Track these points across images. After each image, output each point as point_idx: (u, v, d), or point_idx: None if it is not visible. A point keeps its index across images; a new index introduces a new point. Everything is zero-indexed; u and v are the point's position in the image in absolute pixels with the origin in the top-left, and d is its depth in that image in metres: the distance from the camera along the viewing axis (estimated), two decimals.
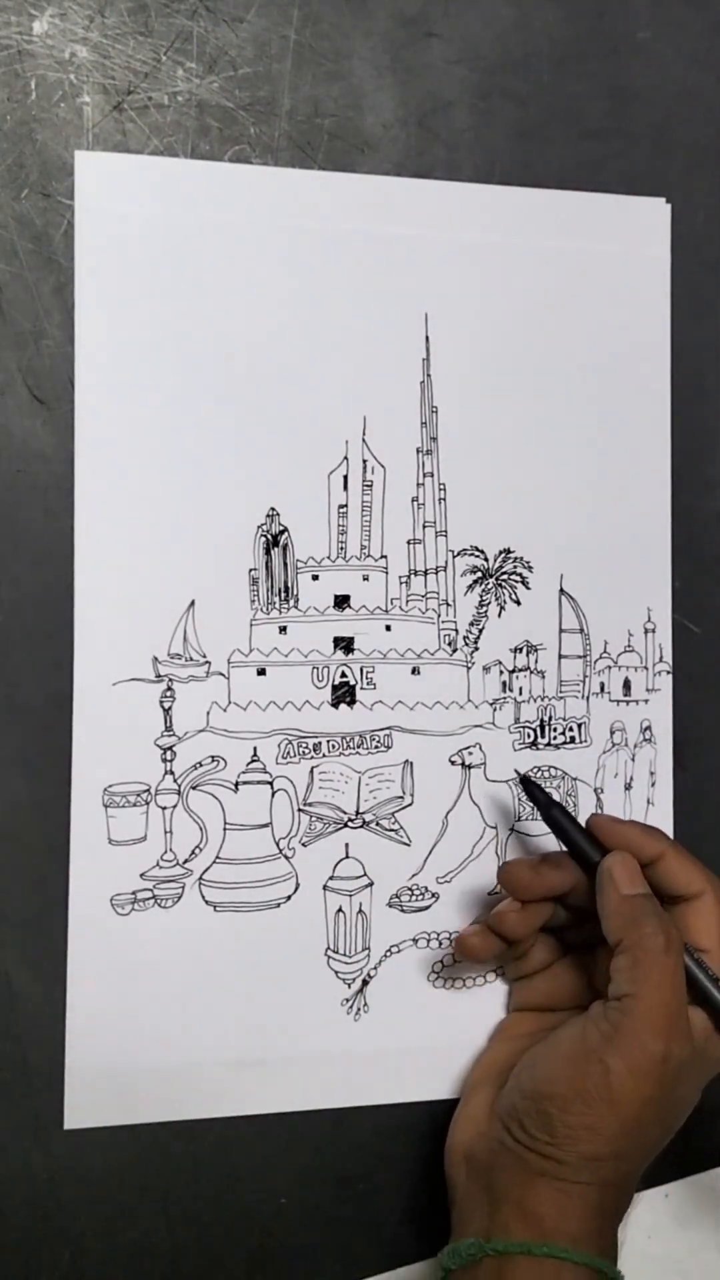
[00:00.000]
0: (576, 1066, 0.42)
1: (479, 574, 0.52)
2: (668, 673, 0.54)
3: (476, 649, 0.51)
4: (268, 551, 0.49)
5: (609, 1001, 0.43)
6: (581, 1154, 0.41)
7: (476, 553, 0.52)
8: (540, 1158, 0.42)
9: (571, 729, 0.52)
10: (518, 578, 0.52)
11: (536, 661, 0.52)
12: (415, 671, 0.51)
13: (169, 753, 0.48)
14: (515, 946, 0.48)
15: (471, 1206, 0.43)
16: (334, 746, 0.50)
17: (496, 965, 0.50)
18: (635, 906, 0.44)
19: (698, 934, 0.45)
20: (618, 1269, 0.42)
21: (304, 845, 0.50)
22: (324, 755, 0.50)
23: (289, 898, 0.49)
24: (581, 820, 0.48)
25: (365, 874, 0.50)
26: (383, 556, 0.50)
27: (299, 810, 0.49)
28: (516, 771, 0.50)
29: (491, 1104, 0.46)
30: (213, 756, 0.48)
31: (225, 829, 0.49)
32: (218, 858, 0.49)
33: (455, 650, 0.51)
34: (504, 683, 0.52)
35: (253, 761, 0.49)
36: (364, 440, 0.50)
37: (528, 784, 0.48)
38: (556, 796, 0.50)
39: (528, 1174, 0.42)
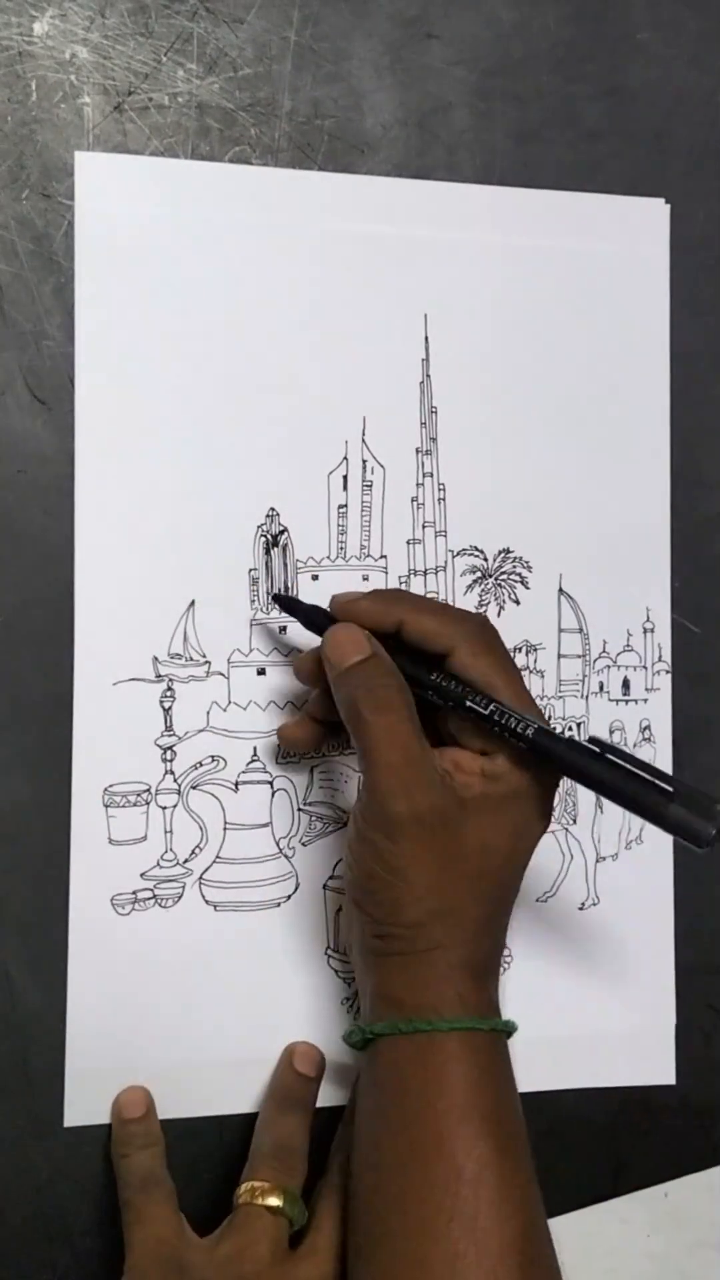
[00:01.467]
0: (357, 849, 0.42)
1: (478, 574, 0.52)
2: (667, 672, 0.54)
3: None
4: (268, 551, 0.49)
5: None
6: (402, 925, 0.41)
7: (476, 553, 0.52)
8: (378, 940, 0.42)
9: (571, 728, 0.53)
10: (517, 578, 0.52)
11: (536, 661, 0.52)
12: None
13: (169, 753, 0.48)
14: (325, 733, 0.47)
15: (360, 997, 0.44)
16: (334, 746, 0.50)
17: (318, 751, 0.49)
18: (346, 679, 0.43)
19: (470, 683, 0.43)
20: (500, 1019, 0.41)
21: (304, 845, 0.50)
22: (324, 755, 0.50)
23: (289, 897, 0.49)
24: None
25: None
26: (382, 556, 0.50)
27: (299, 810, 0.50)
28: (271, 595, 0.48)
29: None
30: (213, 756, 0.49)
31: (225, 829, 0.49)
32: (218, 857, 0.49)
33: None
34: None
35: (253, 761, 0.49)
36: (364, 440, 0.50)
37: (282, 600, 0.47)
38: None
39: (377, 956, 0.42)
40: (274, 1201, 0.44)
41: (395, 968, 0.41)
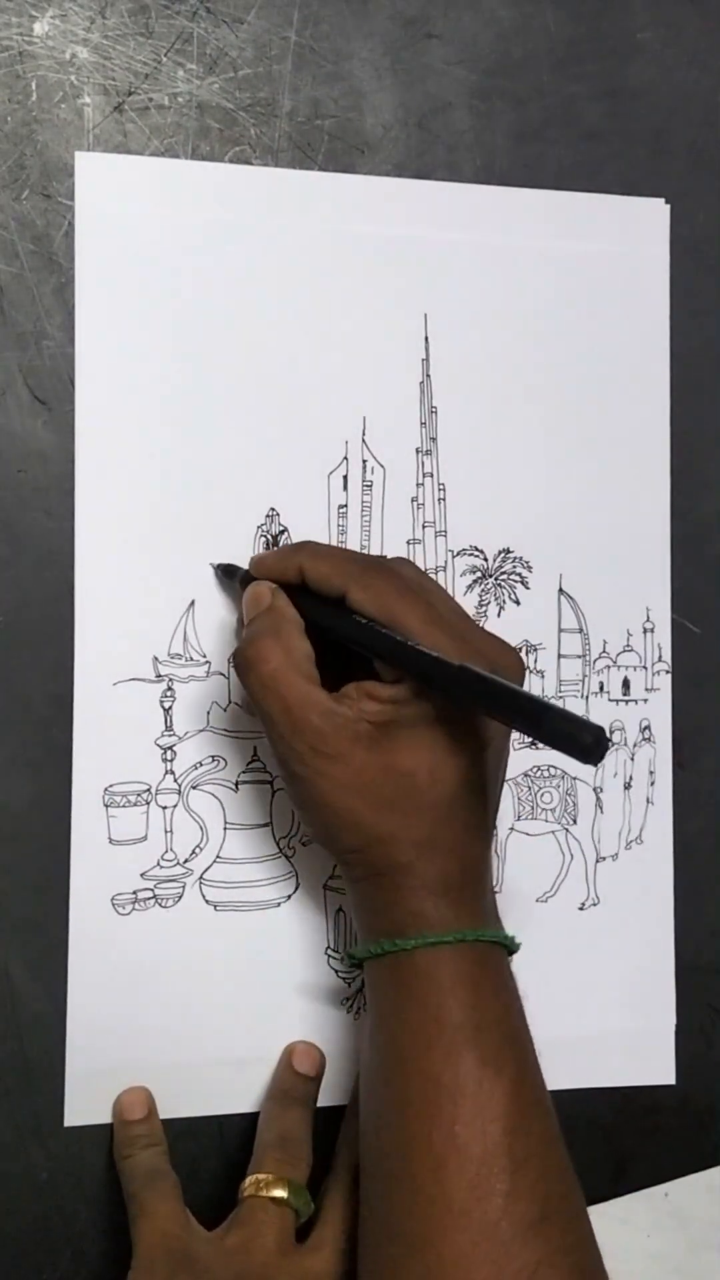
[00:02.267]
0: (286, 787, 0.44)
1: (478, 574, 0.52)
2: (667, 672, 0.54)
3: None
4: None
5: None
6: (344, 850, 0.42)
7: (476, 553, 0.52)
8: (342, 865, 0.43)
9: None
10: (517, 577, 0.52)
11: (536, 661, 0.52)
12: None
13: (169, 752, 0.48)
14: None
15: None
16: None
17: None
18: (246, 631, 0.44)
19: (367, 618, 0.44)
20: (469, 930, 0.41)
21: (304, 845, 0.50)
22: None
23: (289, 897, 0.49)
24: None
25: None
26: (382, 556, 0.50)
27: None
28: (212, 565, 0.49)
29: None
30: (213, 756, 0.49)
31: (225, 828, 0.49)
32: (218, 857, 0.49)
33: None
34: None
35: (253, 761, 0.49)
36: (364, 440, 0.50)
37: (224, 569, 0.48)
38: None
39: (348, 883, 0.44)
40: (279, 1193, 0.44)
41: (361, 891, 0.43)
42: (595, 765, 0.40)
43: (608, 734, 0.39)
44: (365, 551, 0.50)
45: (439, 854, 0.41)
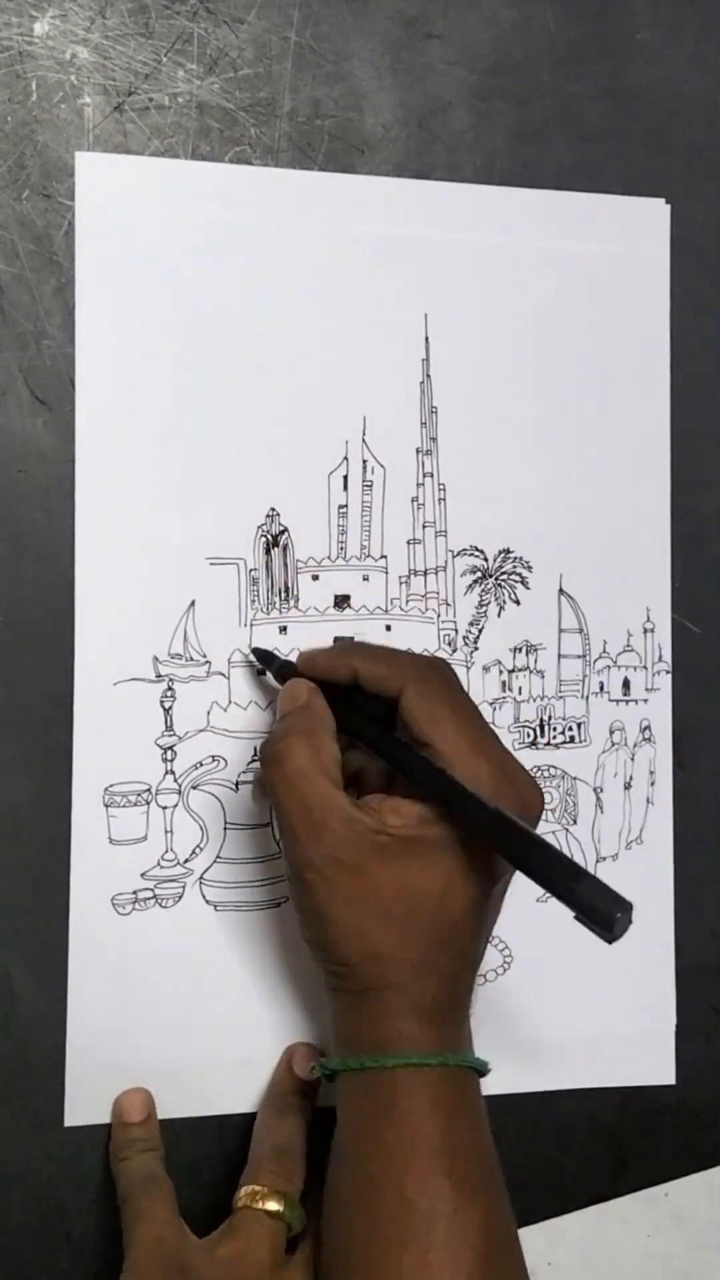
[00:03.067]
0: (289, 890, 0.44)
1: (479, 574, 0.52)
2: (667, 672, 0.54)
3: (476, 649, 0.51)
4: (268, 552, 0.49)
5: None
6: (336, 963, 0.42)
7: (476, 553, 0.52)
8: (328, 975, 0.43)
9: (571, 728, 0.53)
10: (517, 578, 0.52)
11: (536, 661, 0.52)
12: None
13: (169, 752, 0.48)
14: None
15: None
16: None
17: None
18: (277, 728, 0.44)
19: (415, 727, 0.44)
20: (451, 1055, 0.41)
21: None
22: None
23: (289, 897, 0.49)
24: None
25: None
26: (383, 556, 0.50)
27: None
28: (240, 651, 0.49)
29: None
30: (213, 756, 0.49)
31: (226, 828, 0.49)
32: (218, 857, 0.49)
33: (455, 650, 0.51)
34: (503, 682, 0.52)
35: (253, 761, 0.49)
36: (364, 440, 0.50)
37: (259, 654, 0.48)
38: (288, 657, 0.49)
39: (331, 993, 0.43)
40: (273, 1206, 0.44)
41: (345, 1005, 0.42)
42: (610, 944, 0.40)
43: (631, 915, 0.39)
44: (366, 552, 0.50)
45: (432, 976, 0.41)
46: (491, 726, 0.44)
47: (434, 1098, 0.40)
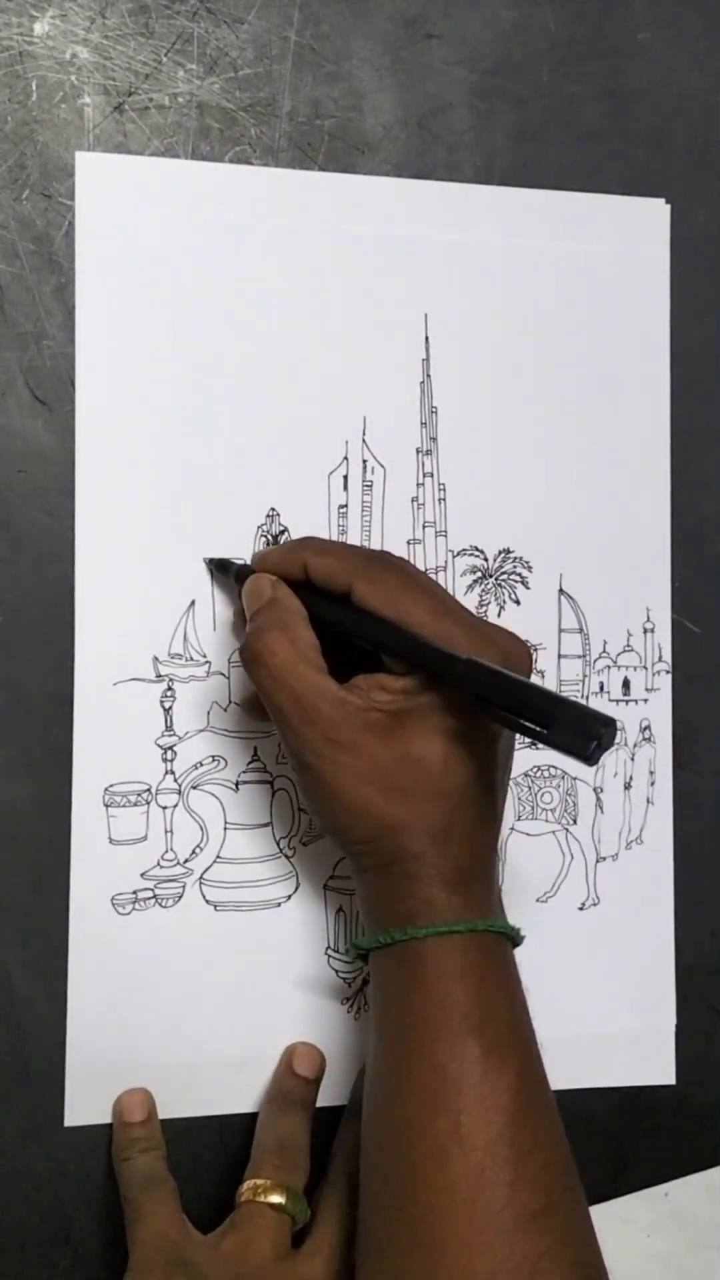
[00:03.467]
0: (296, 781, 0.46)
1: (479, 574, 0.52)
2: (667, 672, 0.54)
3: None
4: None
5: None
6: (354, 842, 0.42)
7: (476, 553, 0.52)
8: (351, 858, 0.43)
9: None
10: (517, 578, 0.52)
11: (536, 661, 0.52)
12: None
13: (169, 752, 0.48)
14: None
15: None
16: None
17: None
18: (251, 624, 0.44)
19: (374, 612, 0.43)
20: (480, 920, 0.41)
21: (304, 845, 0.50)
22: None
23: (289, 897, 0.49)
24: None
25: None
26: (385, 552, 0.50)
27: (299, 810, 0.50)
28: (205, 560, 0.49)
29: None
30: (213, 756, 0.49)
31: (226, 828, 0.49)
32: (218, 857, 0.49)
33: None
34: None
35: (253, 761, 0.49)
36: (364, 440, 0.50)
37: (215, 563, 0.48)
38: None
39: (357, 874, 0.43)
40: (276, 1199, 0.44)
41: (371, 882, 0.42)
42: (592, 766, 0.40)
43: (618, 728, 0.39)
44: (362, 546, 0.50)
45: (452, 843, 0.41)
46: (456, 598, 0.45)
47: (464, 964, 0.40)
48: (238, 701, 0.49)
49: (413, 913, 0.41)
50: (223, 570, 0.48)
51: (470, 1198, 0.38)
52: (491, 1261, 0.37)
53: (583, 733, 0.37)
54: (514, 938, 0.43)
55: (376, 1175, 0.41)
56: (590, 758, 0.37)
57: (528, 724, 0.38)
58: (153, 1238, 0.43)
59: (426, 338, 0.51)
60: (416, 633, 0.41)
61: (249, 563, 0.48)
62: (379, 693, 0.42)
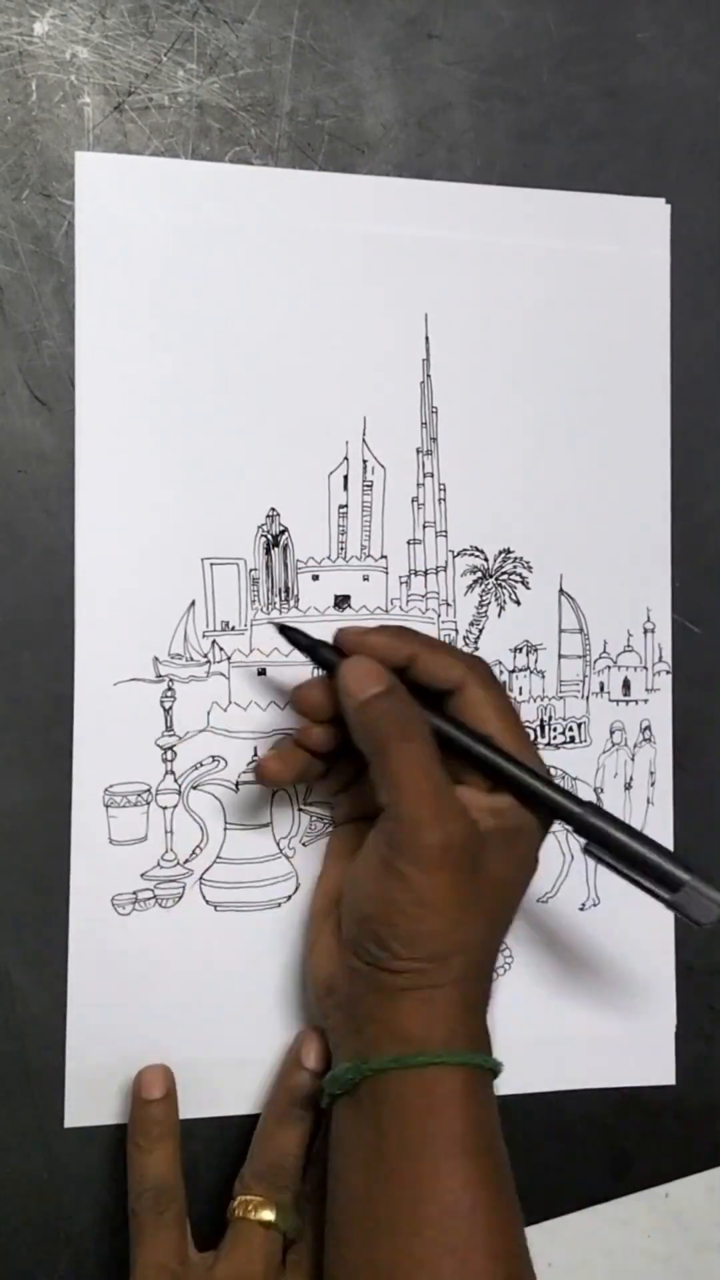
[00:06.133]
0: (380, 881, 0.41)
1: (479, 574, 0.52)
2: (667, 673, 0.54)
3: (476, 649, 0.51)
4: (268, 552, 0.49)
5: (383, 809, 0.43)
6: (422, 959, 0.40)
7: (476, 553, 0.52)
8: (391, 974, 0.41)
9: (571, 729, 0.53)
10: (517, 578, 0.52)
11: (536, 661, 0.52)
12: None
13: (169, 753, 0.48)
14: (313, 765, 0.47)
15: (343, 1034, 0.43)
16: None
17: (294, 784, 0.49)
18: (369, 709, 0.42)
19: (473, 722, 0.44)
20: (494, 1059, 0.42)
21: (304, 845, 0.50)
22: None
23: (289, 897, 0.49)
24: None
25: None
26: (383, 557, 0.50)
27: (299, 810, 0.50)
28: (272, 623, 0.48)
29: (337, 931, 0.45)
30: (213, 756, 0.49)
31: (226, 829, 0.49)
32: (218, 857, 0.49)
33: None
34: (504, 682, 0.52)
35: (253, 761, 0.49)
36: (364, 440, 0.50)
37: (286, 632, 0.46)
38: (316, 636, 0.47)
39: (385, 992, 0.41)
40: (267, 1216, 0.44)
41: (406, 1002, 0.41)
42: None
43: None
44: (367, 552, 0.50)
45: (491, 969, 0.42)
46: None
47: (480, 1099, 0.41)
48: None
49: (449, 1038, 0.40)
50: (293, 641, 0.46)
51: None
52: None
53: (708, 902, 0.39)
54: (497, 1070, 0.42)
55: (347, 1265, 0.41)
56: (705, 925, 0.40)
57: (651, 886, 0.41)
58: (152, 1266, 0.43)
59: (427, 337, 0.51)
60: (532, 767, 0.42)
61: (330, 640, 0.45)
62: (489, 810, 0.42)
